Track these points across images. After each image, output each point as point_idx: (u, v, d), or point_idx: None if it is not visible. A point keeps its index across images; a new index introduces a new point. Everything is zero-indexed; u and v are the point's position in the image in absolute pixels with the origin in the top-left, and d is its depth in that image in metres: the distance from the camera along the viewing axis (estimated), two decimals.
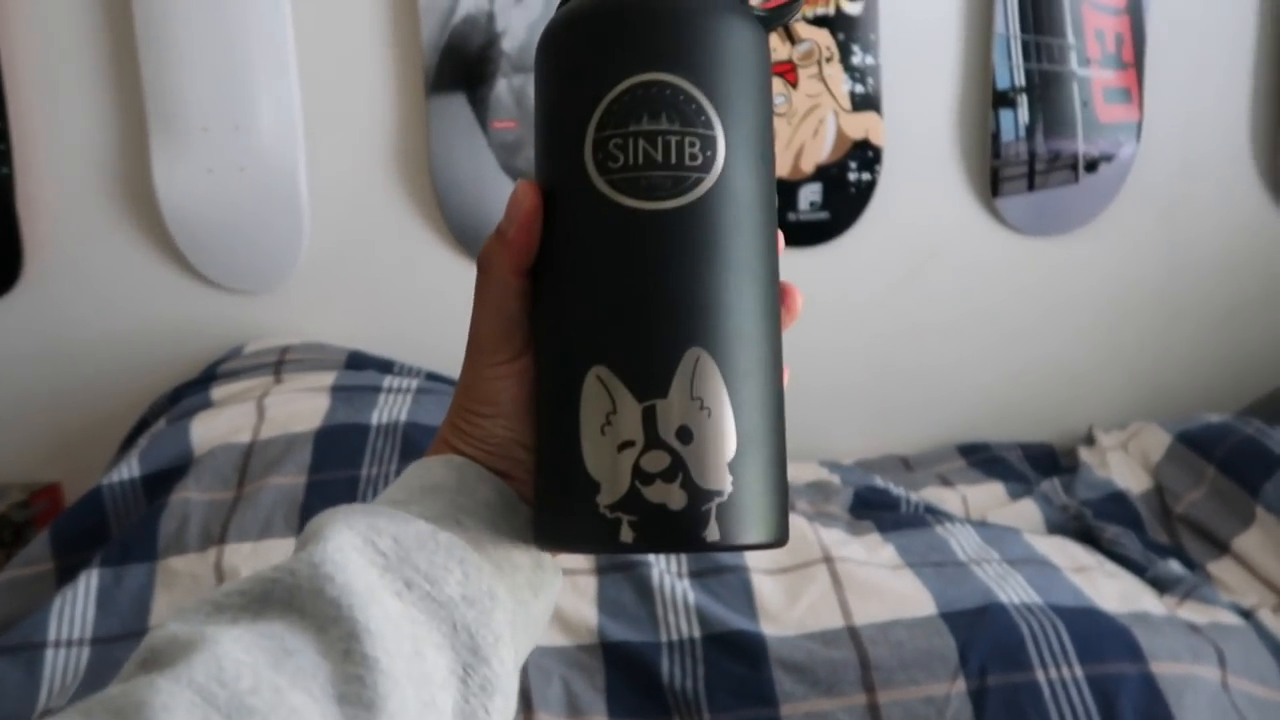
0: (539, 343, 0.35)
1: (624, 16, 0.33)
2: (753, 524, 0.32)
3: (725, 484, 0.31)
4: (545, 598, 0.37)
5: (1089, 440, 1.29)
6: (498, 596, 0.33)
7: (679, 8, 0.33)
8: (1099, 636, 0.81)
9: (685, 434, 0.31)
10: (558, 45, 0.35)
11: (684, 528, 0.31)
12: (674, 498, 0.31)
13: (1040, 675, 0.78)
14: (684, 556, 0.88)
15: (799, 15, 0.31)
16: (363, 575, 0.30)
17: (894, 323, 1.32)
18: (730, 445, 0.32)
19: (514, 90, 1.22)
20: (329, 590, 0.29)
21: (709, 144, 0.32)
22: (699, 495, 0.31)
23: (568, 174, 0.33)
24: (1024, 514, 1.13)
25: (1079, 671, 0.78)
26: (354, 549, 0.31)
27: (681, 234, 0.32)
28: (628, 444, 0.31)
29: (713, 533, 0.31)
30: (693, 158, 0.32)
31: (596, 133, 0.33)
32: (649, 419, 0.31)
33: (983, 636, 0.80)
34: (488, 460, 0.37)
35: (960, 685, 0.78)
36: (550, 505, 0.34)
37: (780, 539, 0.33)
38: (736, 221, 0.33)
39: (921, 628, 0.82)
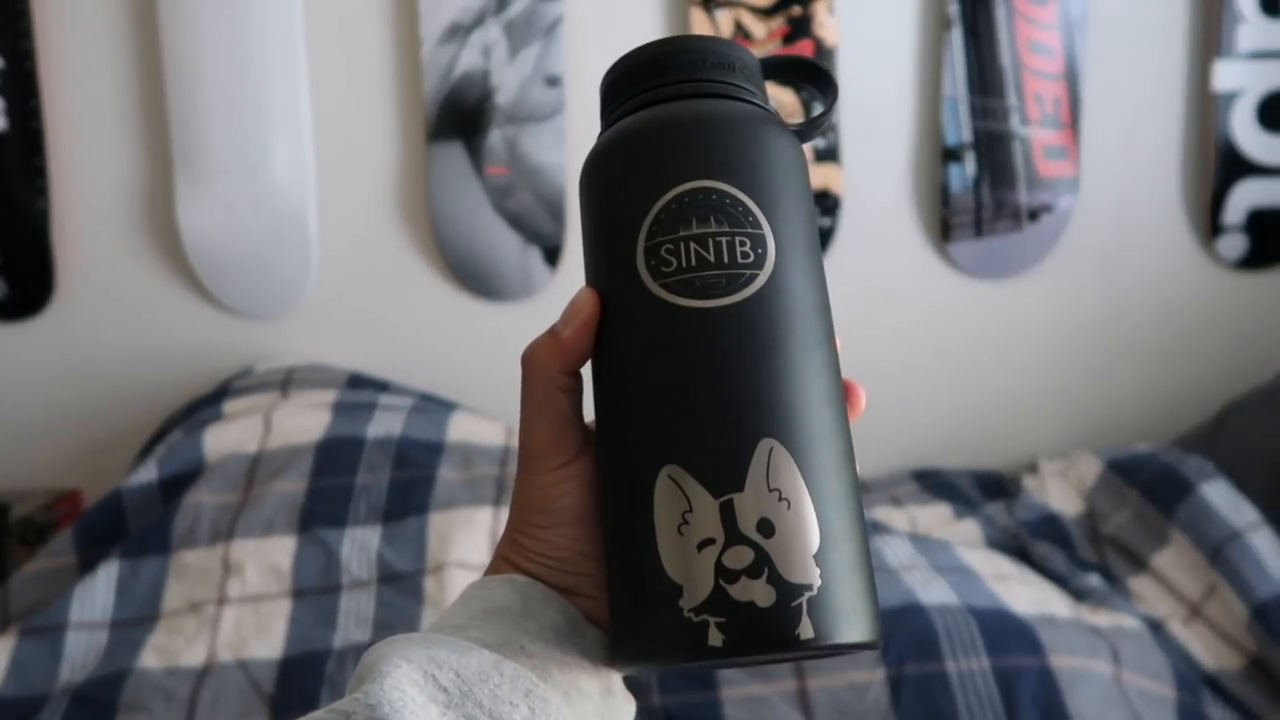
0: (602, 451, 0.35)
1: (664, 133, 0.34)
2: (846, 620, 0.30)
3: (814, 577, 0.30)
4: None
5: (1033, 468, 1.39)
6: None
7: (716, 122, 0.34)
8: (1005, 633, 0.90)
9: (767, 527, 0.30)
10: (604, 166, 0.36)
11: (776, 625, 0.29)
12: (761, 594, 0.29)
13: (951, 666, 0.87)
14: None
15: (829, 126, 0.35)
16: (422, 715, 0.28)
17: (853, 357, 1.42)
18: (814, 537, 0.30)
19: (506, 140, 1.34)
20: None
21: (759, 242, 0.33)
22: (788, 590, 0.29)
23: (621, 282, 0.34)
24: (966, 532, 1.23)
25: (985, 663, 0.87)
26: (413, 684, 0.29)
27: (740, 329, 0.32)
28: (708, 542, 0.30)
29: (806, 629, 0.29)
30: (744, 255, 0.32)
31: (647, 241, 0.33)
32: (727, 514, 0.30)
33: (902, 631, 0.89)
34: (552, 578, 0.35)
35: (880, 673, 0.87)
36: (628, 618, 0.32)
37: (878, 640, 0.31)
38: (793, 314, 0.33)
39: None
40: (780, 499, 0.30)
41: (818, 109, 0.39)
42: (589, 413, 0.36)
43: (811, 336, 0.33)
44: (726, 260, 0.32)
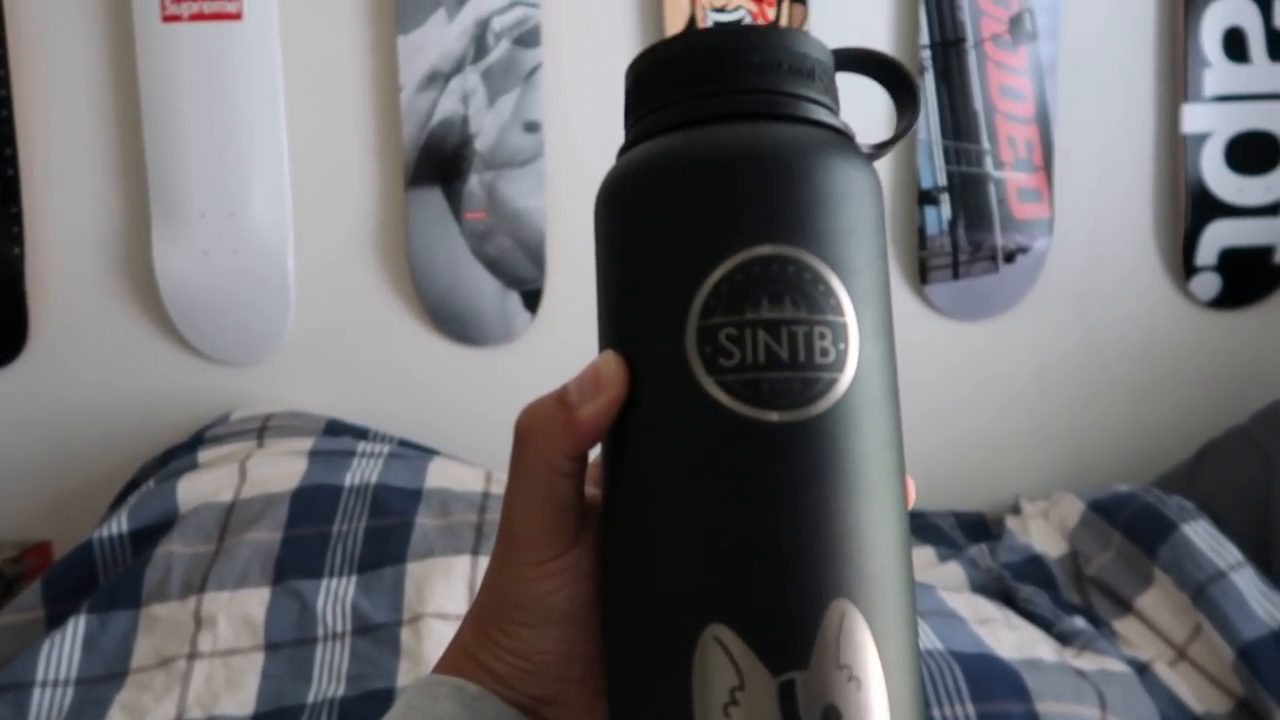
0: (617, 574, 0.28)
1: (734, 172, 0.26)
2: None
3: None
4: None
5: (1015, 509, 1.38)
6: None
7: (797, 164, 0.27)
8: (991, 679, 0.89)
9: (833, 715, 0.24)
10: (643, 201, 0.28)
11: None
12: None
13: (936, 713, 0.86)
14: None
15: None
16: None
17: None
18: None
19: (485, 185, 1.34)
20: None
21: (840, 334, 0.26)
22: None
23: (661, 364, 0.26)
24: (950, 575, 1.22)
25: (971, 709, 0.86)
26: None
27: (815, 454, 0.25)
28: None
29: None
30: (824, 353, 0.26)
31: (702, 319, 0.26)
32: (788, 698, 0.24)
33: None
34: (525, 683, 0.29)
35: None
36: None
37: None
38: (874, 431, 0.26)
39: None
40: (850, 678, 0.24)
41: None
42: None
43: (891, 456, 0.27)
44: (803, 359, 0.25)
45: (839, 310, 0.26)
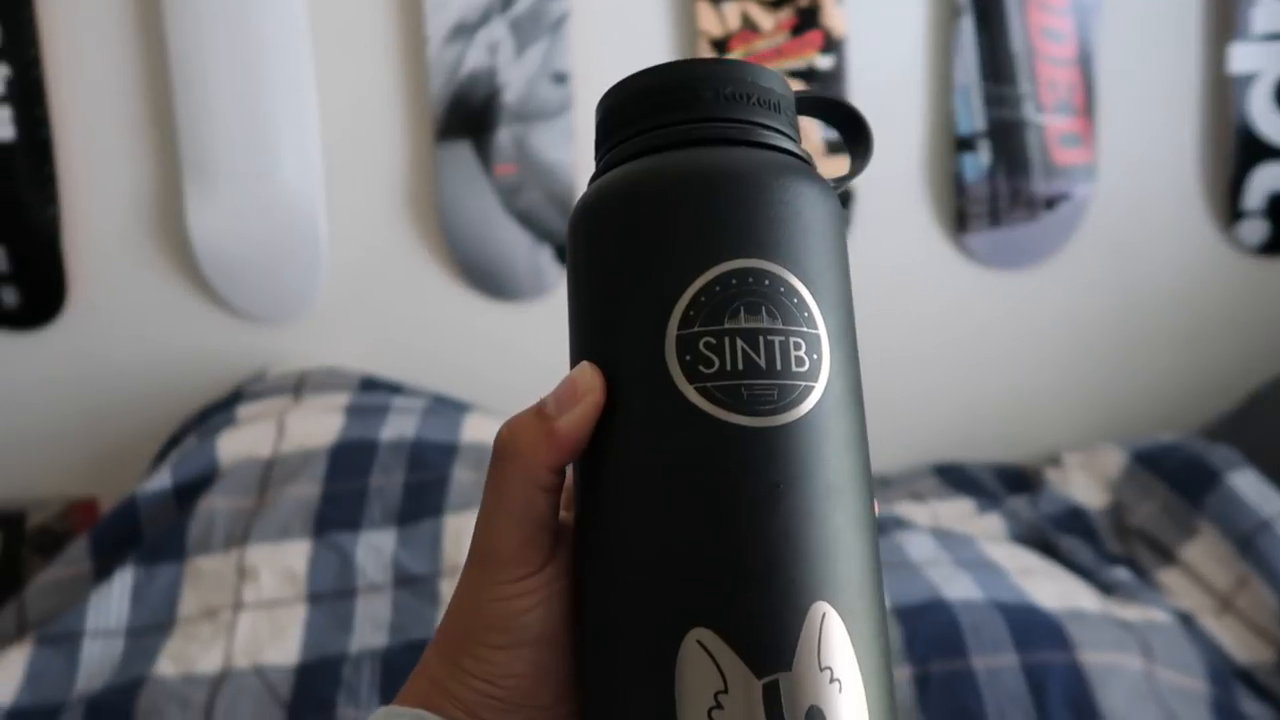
0: (595, 581, 0.28)
1: (713, 188, 0.28)
2: None
3: None
4: None
5: (1055, 461, 1.37)
6: None
7: (769, 183, 0.28)
8: (1032, 628, 0.88)
9: (816, 716, 0.25)
10: (624, 217, 0.29)
11: None
12: None
13: (978, 663, 0.85)
14: None
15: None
16: None
17: (870, 352, 1.40)
18: None
19: (514, 138, 1.33)
20: None
21: (814, 345, 0.27)
22: None
23: (641, 373, 0.27)
24: (989, 527, 1.21)
25: (1013, 660, 0.85)
26: None
27: (792, 458, 0.26)
28: None
29: None
30: (798, 362, 0.27)
31: (681, 328, 0.27)
32: (772, 699, 0.24)
33: (926, 628, 0.88)
34: (492, 710, 0.28)
35: (906, 671, 0.85)
36: None
37: None
38: (847, 437, 0.27)
39: None
40: (832, 680, 0.25)
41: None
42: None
43: (861, 462, 0.28)
44: (779, 367, 0.27)
45: (812, 322, 0.28)
